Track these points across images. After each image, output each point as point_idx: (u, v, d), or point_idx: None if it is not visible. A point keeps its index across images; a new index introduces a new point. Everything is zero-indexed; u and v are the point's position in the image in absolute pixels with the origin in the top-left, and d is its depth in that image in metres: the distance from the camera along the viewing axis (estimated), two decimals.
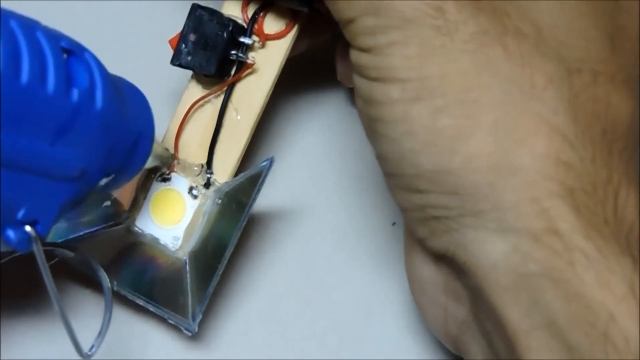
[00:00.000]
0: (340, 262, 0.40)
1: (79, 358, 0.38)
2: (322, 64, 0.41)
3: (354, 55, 0.31)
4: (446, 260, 0.31)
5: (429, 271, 0.32)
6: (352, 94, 0.42)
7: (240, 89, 0.37)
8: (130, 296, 0.37)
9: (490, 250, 0.29)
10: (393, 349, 0.39)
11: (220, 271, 0.36)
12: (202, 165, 0.38)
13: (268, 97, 0.37)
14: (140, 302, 0.37)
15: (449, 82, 0.29)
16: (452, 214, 0.29)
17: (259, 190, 0.36)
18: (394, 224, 0.41)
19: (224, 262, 0.36)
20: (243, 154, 0.38)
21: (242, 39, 0.37)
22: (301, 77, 0.41)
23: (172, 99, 0.40)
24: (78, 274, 0.38)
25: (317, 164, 0.42)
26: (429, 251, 0.32)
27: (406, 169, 0.30)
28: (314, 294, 0.40)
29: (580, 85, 0.29)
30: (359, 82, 0.31)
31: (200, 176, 0.38)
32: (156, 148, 0.35)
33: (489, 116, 0.29)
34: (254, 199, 0.36)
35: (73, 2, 0.43)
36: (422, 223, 0.31)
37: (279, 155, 0.40)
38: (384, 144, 0.30)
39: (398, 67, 0.29)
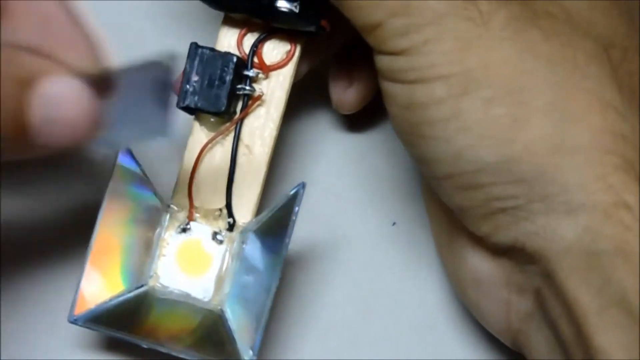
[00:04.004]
0: (339, 262, 0.40)
1: (79, 358, 0.38)
2: (312, 85, 0.40)
3: (384, 61, 0.30)
4: (510, 253, 0.31)
5: (488, 269, 0.32)
6: (346, 121, 0.41)
7: (248, 124, 0.36)
8: (175, 353, 0.35)
9: (563, 233, 0.29)
10: (393, 349, 0.39)
11: (269, 308, 0.34)
12: (221, 209, 0.36)
13: (280, 127, 0.36)
14: (188, 358, 0.35)
15: (493, 72, 0.29)
16: (520, 203, 0.29)
17: (296, 217, 0.34)
18: (394, 224, 0.40)
19: (272, 298, 0.34)
20: (263, 189, 0.36)
21: (245, 72, 0.35)
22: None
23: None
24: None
25: (316, 164, 0.41)
26: (491, 247, 0.31)
27: (464, 166, 0.29)
28: (313, 293, 0.40)
29: (616, 60, 0.30)
30: (393, 89, 0.30)
31: (221, 220, 0.36)
32: None
33: (541, 99, 0.28)
34: (292, 228, 0.34)
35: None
36: (486, 219, 0.30)
37: (281, 168, 0.40)
38: (434, 146, 0.30)
39: (438, 63, 0.29)
